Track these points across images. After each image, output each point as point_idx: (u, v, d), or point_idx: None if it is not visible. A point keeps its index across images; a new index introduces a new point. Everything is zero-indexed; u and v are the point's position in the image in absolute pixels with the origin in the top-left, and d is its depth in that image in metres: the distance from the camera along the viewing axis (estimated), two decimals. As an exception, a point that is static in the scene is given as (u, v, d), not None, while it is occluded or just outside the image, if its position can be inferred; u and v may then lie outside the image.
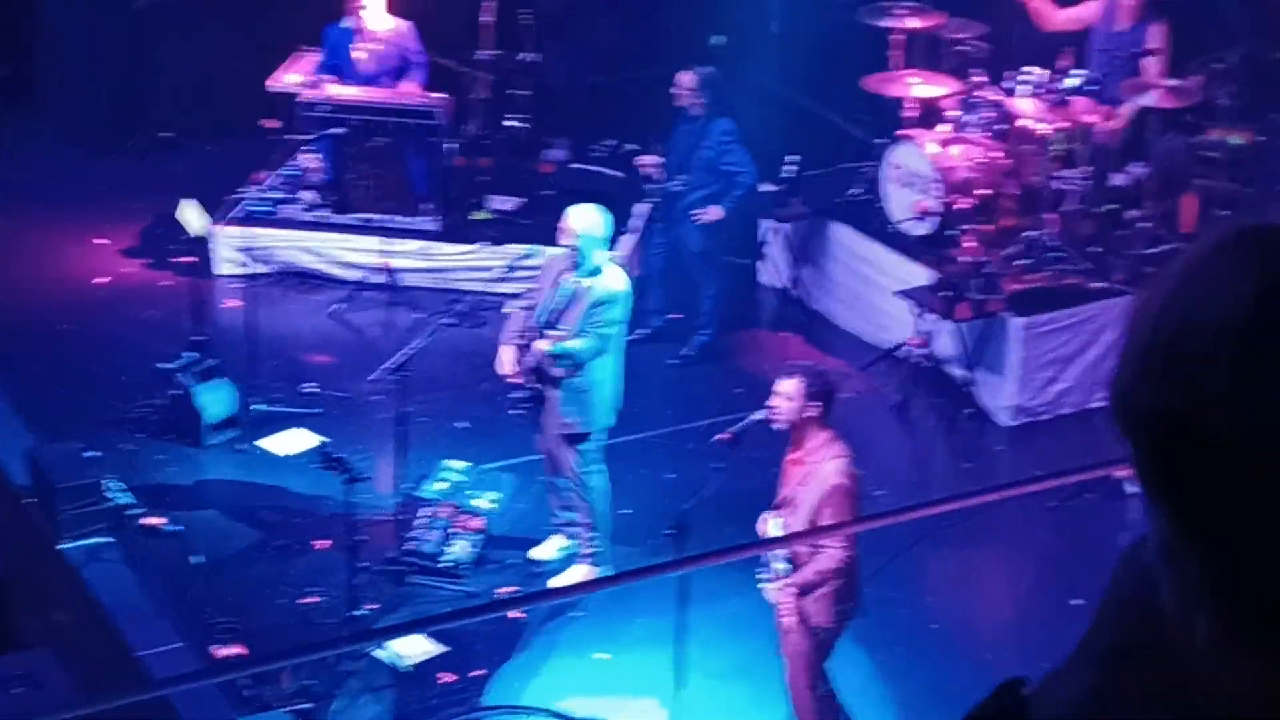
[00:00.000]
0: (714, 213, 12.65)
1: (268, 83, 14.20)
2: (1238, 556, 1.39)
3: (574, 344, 10.01)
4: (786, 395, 8.78)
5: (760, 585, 8.98)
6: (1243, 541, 1.38)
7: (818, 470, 8.71)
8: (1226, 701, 1.42)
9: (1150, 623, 1.50)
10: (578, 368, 10.08)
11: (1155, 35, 13.15)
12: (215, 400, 11.71)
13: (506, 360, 10.27)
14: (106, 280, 13.84)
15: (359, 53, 13.80)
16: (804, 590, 8.73)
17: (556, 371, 10.11)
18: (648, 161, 12.86)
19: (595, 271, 10.08)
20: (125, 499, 10.77)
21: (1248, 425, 1.37)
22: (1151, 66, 12.90)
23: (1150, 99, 12.52)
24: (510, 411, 10.42)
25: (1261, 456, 1.37)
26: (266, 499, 11.23)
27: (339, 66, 13.85)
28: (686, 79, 12.68)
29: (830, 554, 8.67)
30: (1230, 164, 12.96)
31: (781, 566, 8.82)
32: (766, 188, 13.63)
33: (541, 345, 10.00)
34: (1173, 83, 12.62)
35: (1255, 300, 1.38)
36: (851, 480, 8.70)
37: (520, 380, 10.24)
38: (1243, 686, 1.41)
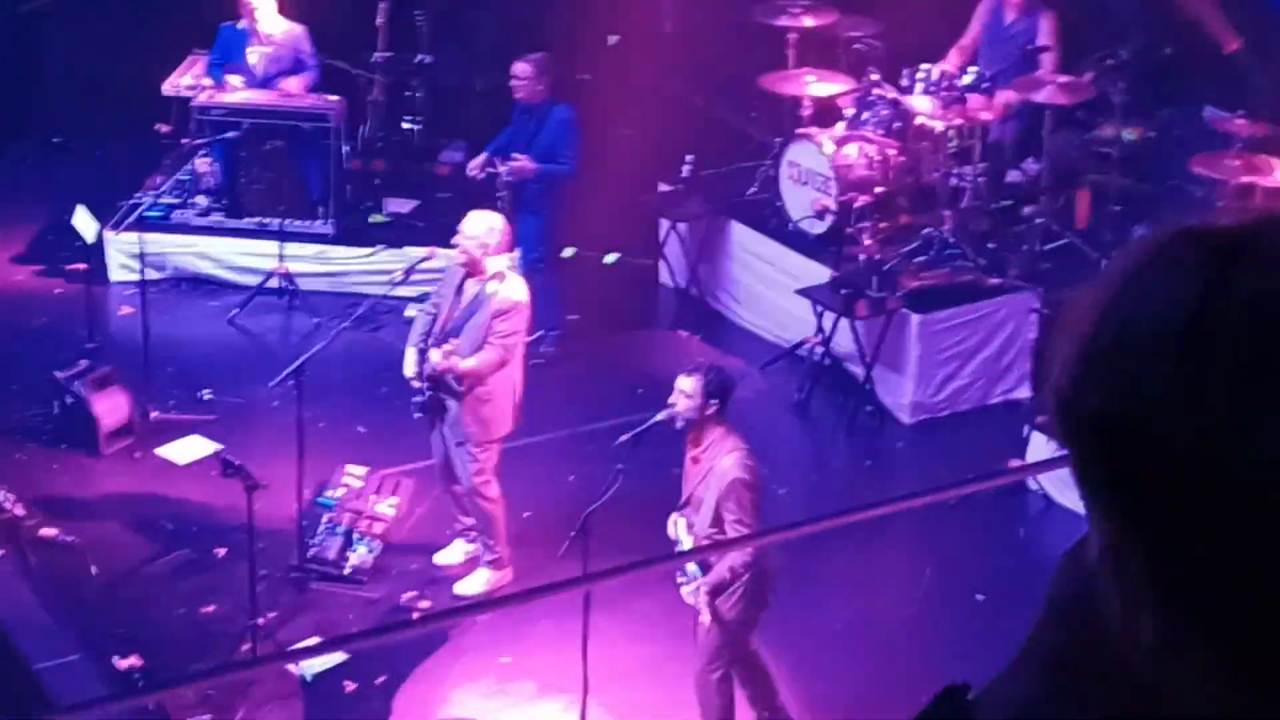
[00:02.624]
0: (524, 162, 12.46)
1: (163, 86, 14.06)
2: (1183, 555, 1.38)
3: (475, 360, 9.94)
4: (686, 393, 8.84)
5: (678, 585, 9.01)
6: (1188, 540, 1.38)
7: (716, 466, 8.77)
8: (1175, 699, 1.42)
9: (1094, 624, 1.48)
10: (478, 378, 10.03)
11: (1045, 27, 13.26)
12: (110, 408, 11.57)
13: (409, 363, 10.23)
14: (-3, 288, 13.67)
15: (252, 55, 13.70)
16: (717, 589, 8.76)
17: (453, 383, 10.05)
18: (475, 165, 12.66)
19: (494, 278, 10.03)
20: (19, 510, 10.61)
21: (1191, 426, 1.36)
22: (1044, 60, 13.01)
23: (1043, 95, 12.61)
24: (415, 415, 10.36)
25: (1205, 456, 1.36)
26: (164, 508, 11.11)
27: (234, 68, 13.73)
28: (522, 68, 12.57)
29: (730, 560, 8.70)
30: (1123, 160, 13.08)
31: (693, 567, 8.85)
32: (664, 188, 13.64)
33: (440, 357, 9.93)
34: (1065, 79, 12.72)
35: (1196, 300, 1.37)
36: (749, 473, 8.76)
37: (420, 384, 10.19)
38: (1191, 683, 1.40)
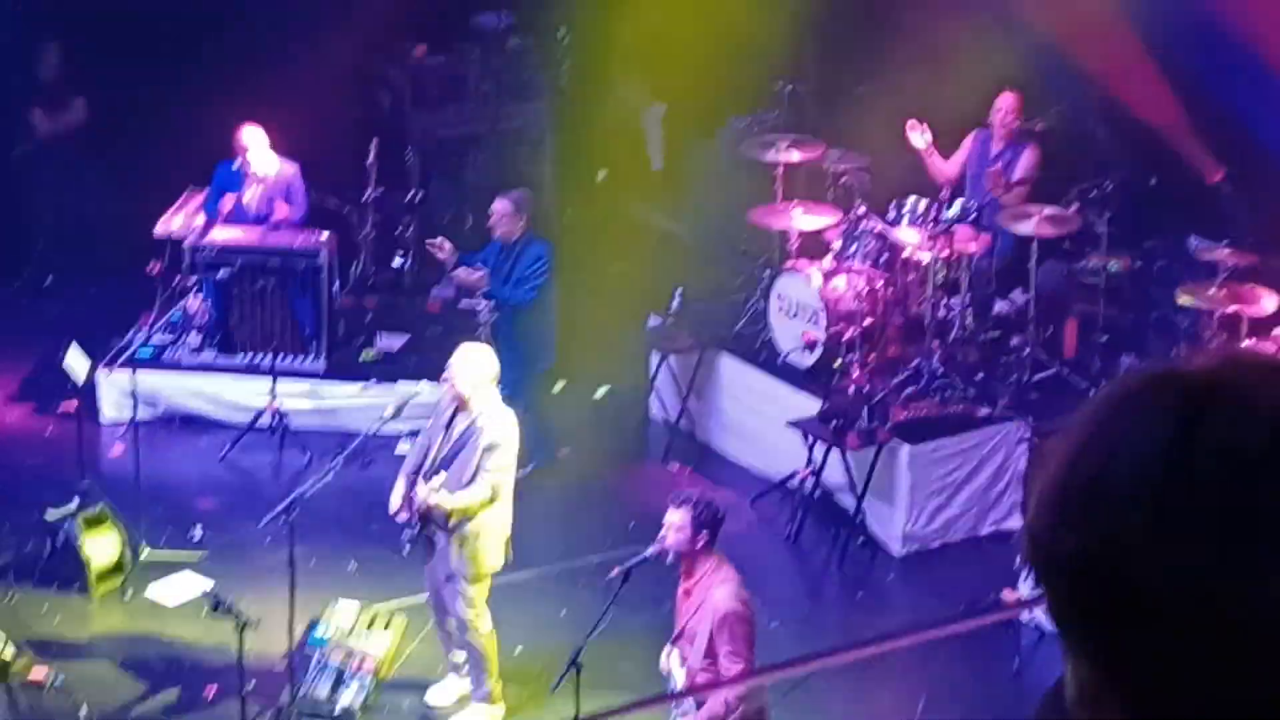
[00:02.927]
0: (473, 273, 12.51)
1: (156, 226, 14.14)
2: (1159, 699, 1.40)
3: (464, 496, 9.94)
4: (676, 525, 8.83)
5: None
6: (1164, 684, 1.39)
7: (709, 598, 8.74)
8: None
9: None
10: (468, 514, 10.03)
11: (1025, 160, 13.39)
12: (101, 548, 11.55)
13: (395, 497, 10.23)
14: (-11, 428, 13.68)
15: (247, 194, 13.79)
16: None
17: (445, 518, 10.05)
18: (445, 249, 12.70)
19: (483, 413, 10.05)
20: (9, 651, 10.57)
21: (1165, 570, 1.38)
22: (1014, 194, 13.14)
23: (1029, 227, 12.70)
24: (403, 551, 10.34)
25: (1179, 601, 1.37)
26: (155, 647, 11.06)
27: (229, 212, 13.82)
28: (501, 205, 12.64)
29: (724, 695, 8.66)
30: (1109, 290, 13.15)
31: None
32: (654, 321, 13.69)
33: (431, 493, 9.92)
34: (1051, 211, 12.82)
35: (1170, 445, 1.40)
36: (743, 605, 8.74)
37: (405, 519, 10.18)
38: None
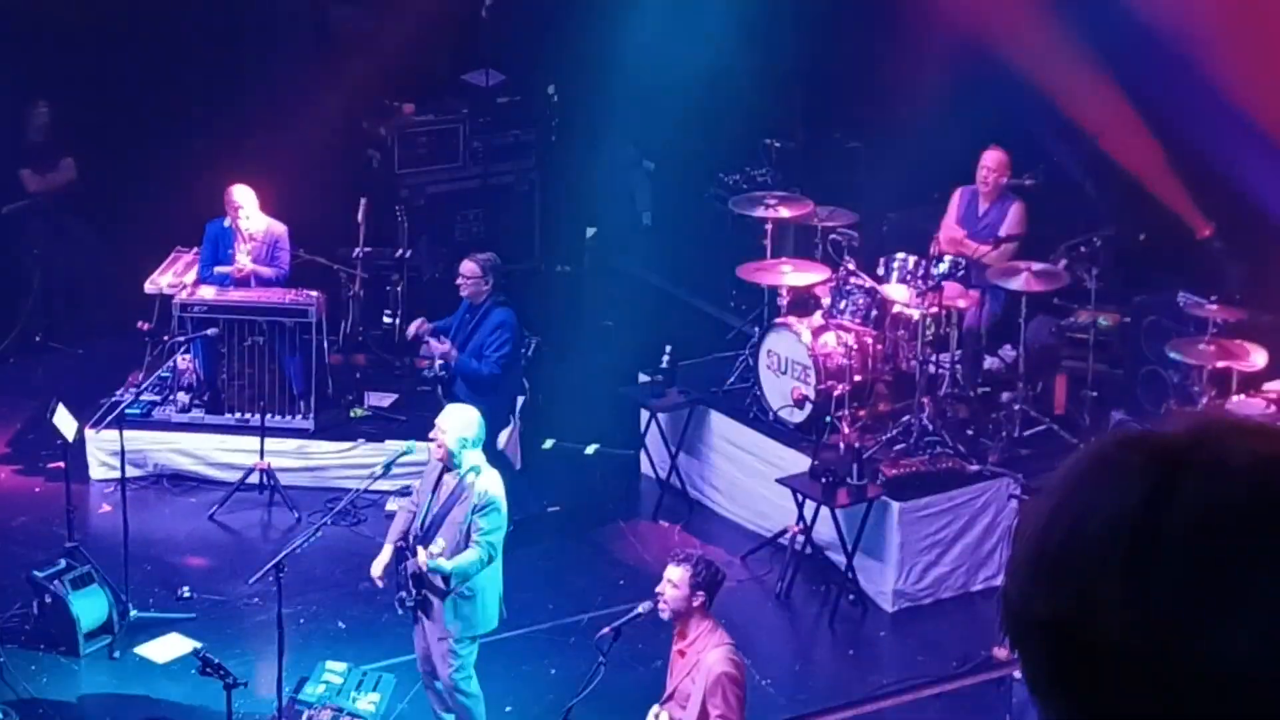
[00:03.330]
0: (448, 348, 12.47)
1: (145, 285, 14.14)
2: None
3: (464, 561, 9.90)
4: (674, 582, 8.80)
5: None
6: None
7: (702, 660, 8.71)
8: None
9: None
10: (462, 579, 9.99)
11: (1012, 216, 13.43)
12: (89, 608, 11.51)
13: (380, 561, 10.19)
14: (-24, 487, 13.65)
15: (239, 253, 13.79)
16: None
17: (438, 582, 10.02)
18: (412, 329, 12.67)
19: (471, 472, 10.03)
20: (-3, 712, 10.53)
21: (1139, 631, 1.37)
22: (1002, 250, 13.17)
23: (1018, 283, 12.72)
24: (399, 612, 10.29)
25: (1153, 661, 1.37)
26: (143, 707, 11.01)
27: (220, 263, 13.84)
28: (469, 267, 12.62)
29: None
30: (1099, 345, 13.17)
31: None
32: (644, 378, 13.69)
33: (422, 558, 9.89)
34: (1040, 266, 12.84)
35: (1140, 507, 1.40)
36: (736, 668, 8.71)
37: (384, 581, 10.16)
38: None
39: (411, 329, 12.66)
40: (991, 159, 13.52)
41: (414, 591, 10.09)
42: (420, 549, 9.90)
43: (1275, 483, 1.40)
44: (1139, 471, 1.41)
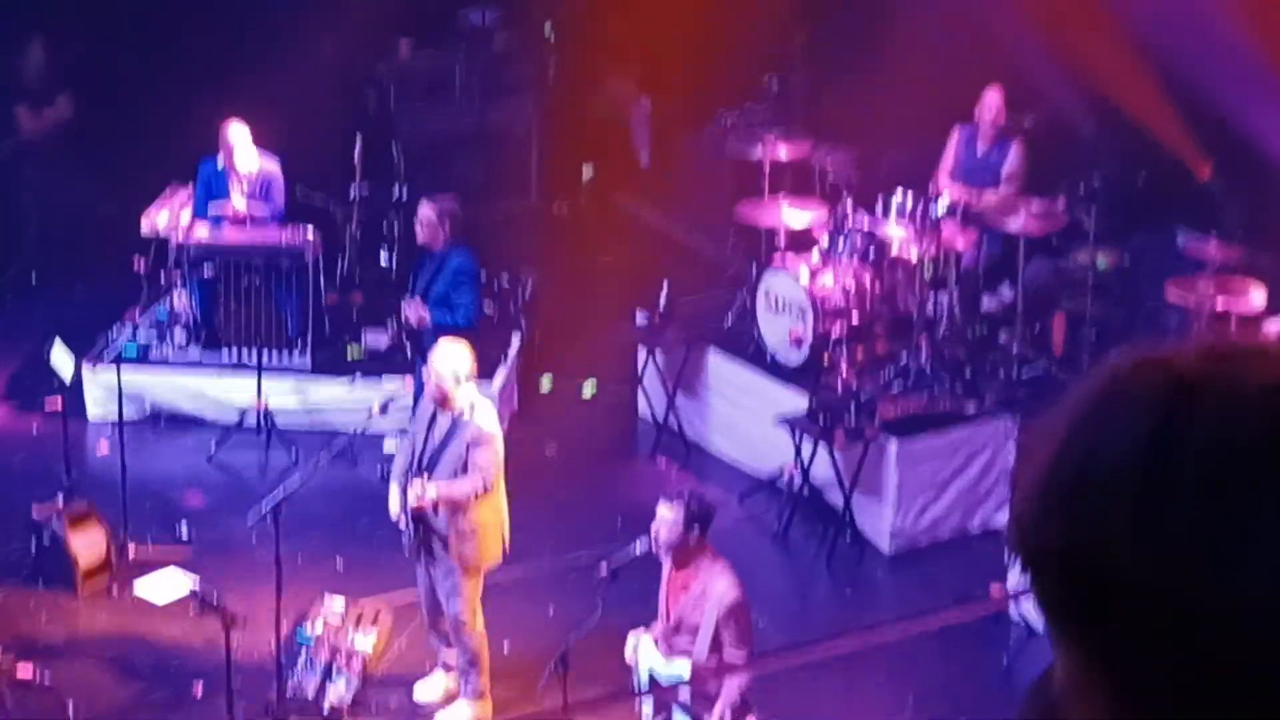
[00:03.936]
0: (417, 310, 12.42)
1: (140, 223, 14.11)
2: (1147, 689, 1.39)
3: (457, 488, 9.92)
4: (668, 521, 8.85)
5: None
6: (1149, 670, 1.38)
7: (710, 590, 8.77)
8: None
9: None
10: (461, 511, 10.00)
11: (1013, 155, 13.40)
12: (87, 546, 11.52)
13: (393, 501, 10.21)
14: (-27, 426, 13.65)
15: (234, 193, 13.75)
16: (736, 716, 8.76)
17: (439, 516, 10.02)
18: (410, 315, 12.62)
19: (466, 406, 10.02)
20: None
21: (1150, 560, 1.37)
22: (1006, 187, 13.16)
23: (1017, 223, 12.70)
24: (406, 553, 10.32)
25: (1164, 590, 1.36)
26: (142, 645, 11.03)
27: (217, 206, 13.79)
28: (424, 212, 12.52)
29: (737, 682, 8.71)
30: (1097, 286, 13.15)
31: (682, 690, 8.83)
32: (641, 318, 13.68)
33: (420, 490, 9.89)
34: (1038, 207, 12.81)
35: (1152, 434, 1.38)
36: (741, 591, 8.79)
37: (402, 518, 10.16)
38: None
39: (413, 314, 12.45)
40: (993, 99, 13.49)
41: (415, 528, 10.10)
42: (416, 483, 9.91)
43: None
44: (1152, 399, 1.40)
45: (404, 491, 10.07)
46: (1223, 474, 1.36)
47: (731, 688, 8.75)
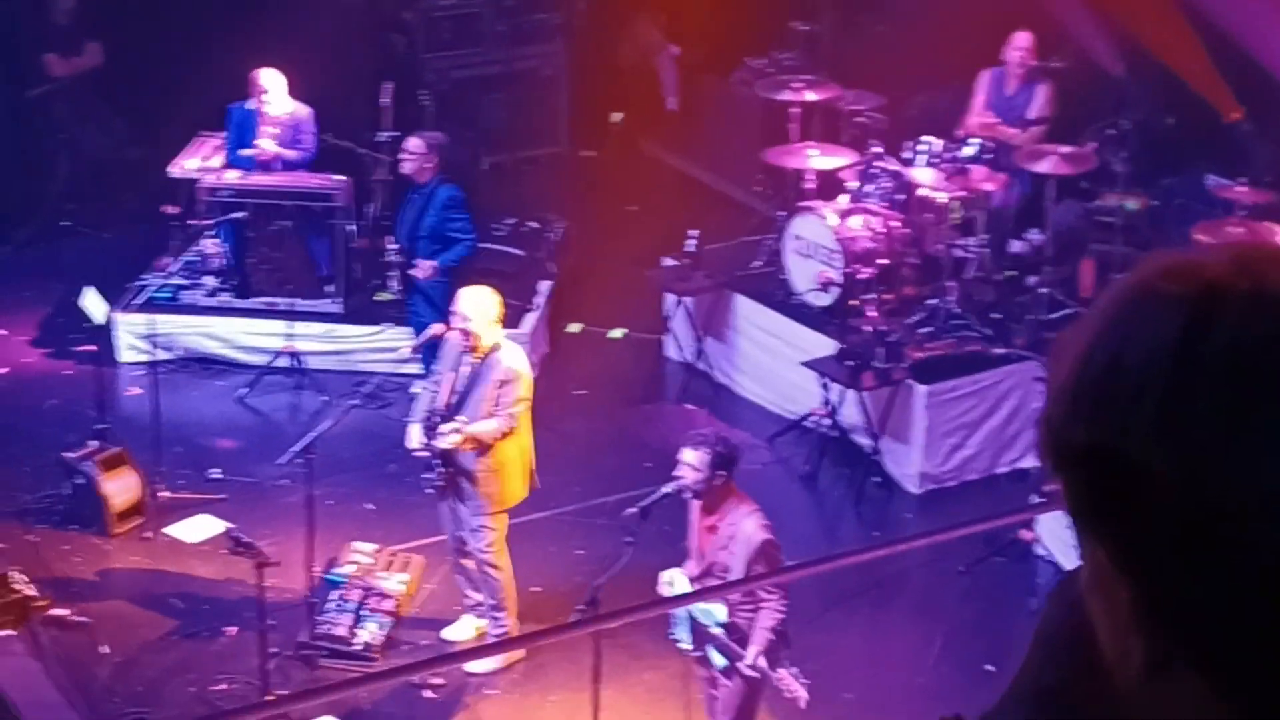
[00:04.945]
0: (426, 267, 12.48)
1: (170, 168, 14.17)
2: (1169, 582, 1.42)
3: (486, 427, 10.00)
4: (692, 465, 8.87)
5: (683, 647, 9.05)
6: (1173, 566, 1.41)
7: (739, 531, 8.81)
8: None
9: (1082, 656, 1.52)
10: (487, 449, 10.07)
11: (1041, 97, 13.38)
12: (120, 489, 11.60)
13: (414, 437, 10.26)
14: (5, 370, 13.72)
15: (262, 137, 13.78)
16: (769, 654, 8.80)
17: (466, 455, 10.09)
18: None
19: (494, 349, 10.09)
20: (30, 591, 10.62)
21: (1175, 458, 1.39)
22: (1035, 131, 13.14)
23: (1046, 165, 12.68)
24: (426, 489, 10.39)
25: (1188, 486, 1.39)
26: (174, 586, 11.12)
27: (245, 146, 13.84)
28: (413, 143, 12.59)
29: (772, 609, 8.74)
30: (1126, 229, 13.13)
31: (717, 630, 8.87)
32: (669, 262, 13.69)
33: (449, 432, 9.96)
34: (1067, 149, 12.79)
35: (1181, 334, 1.41)
36: (771, 532, 8.82)
37: (426, 455, 10.22)
38: (1181, 705, 1.43)
39: (422, 273, 12.53)
40: (1021, 40, 13.46)
41: (441, 468, 10.16)
42: (446, 427, 9.97)
43: None
44: (1179, 301, 1.43)
45: (427, 432, 10.13)
46: (1246, 374, 1.39)
47: (764, 628, 8.79)
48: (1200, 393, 1.40)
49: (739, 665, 8.85)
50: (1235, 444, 1.38)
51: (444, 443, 10.00)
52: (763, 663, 8.78)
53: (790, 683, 8.78)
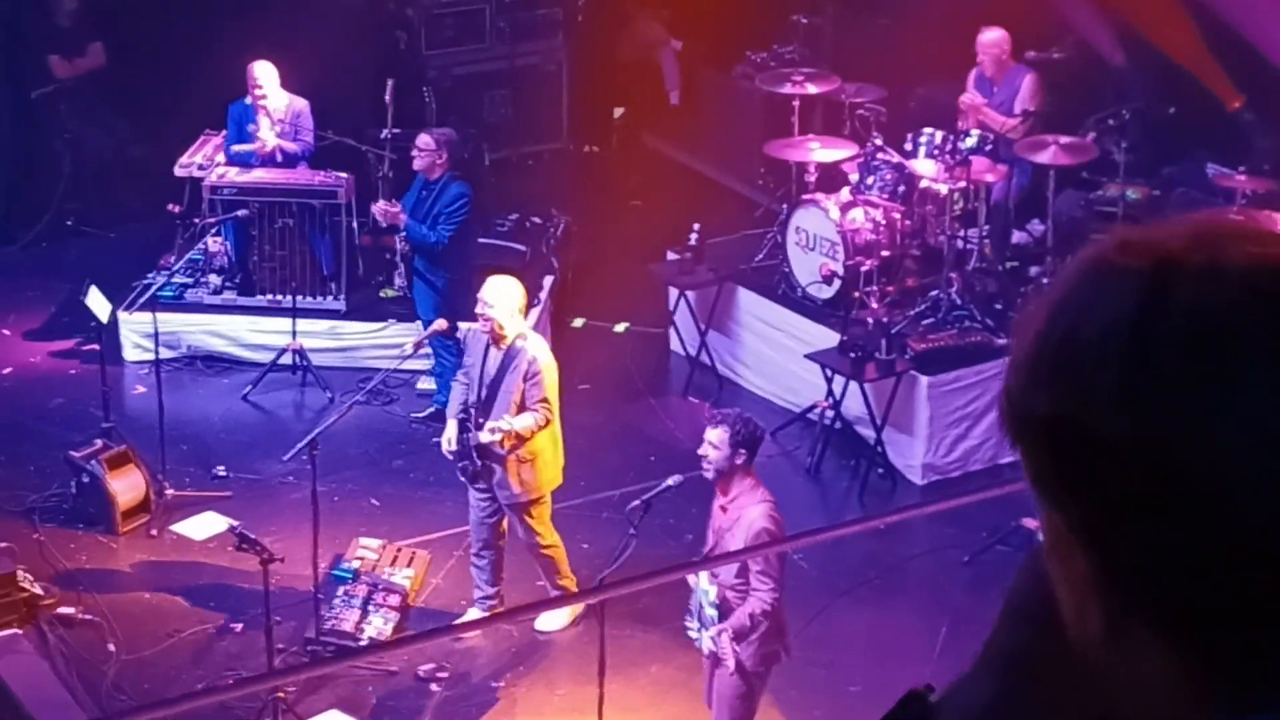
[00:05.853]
0: (385, 208, 12.63)
1: (175, 167, 14.20)
2: (1123, 548, 1.45)
3: (520, 423, 10.09)
4: (714, 443, 8.89)
5: (691, 635, 9.06)
6: (1128, 534, 1.44)
7: (743, 517, 8.82)
8: (1127, 685, 1.47)
9: (1048, 625, 1.54)
10: (522, 441, 10.15)
11: (1025, 90, 13.37)
12: (126, 487, 11.63)
13: (449, 436, 10.36)
14: (11, 369, 13.75)
15: (260, 130, 13.80)
16: (739, 635, 8.78)
17: (499, 448, 10.18)
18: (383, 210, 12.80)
19: (518, 340, 10.17)
20: (37, 589, 10.66)
21: (1131, 429, 1.42)
22: (1023, 124, 13.13)
23: (1046, 156, 12.69)
24: (461, 478, 10.47)
25: (1144, 457, 1.42)
26: (181, 584, 11.15)
27: (244, 142, 13.87)
28: (424, 140, 12.66)
29: (760, 598, 8.74)
30: (1127, 218, 13.13)
31: (711, 612, 8.87)
32: (672, 256, 13.72)
33: (491, 430, 10.07)
34: (1068, 140, 12.80)
35: (1139, 306, 1.44)
36: (776, 525, 8.83)
37: (454, 458, 10.33)
38: (1140, 668, 1.46)
39: (380, 212, 12.67)
40: (986, 39, 13.47)
41: (477, 461, 10.25)
42: (485, 425, 10.06)
43: (1268, 285, 1.44)
44: (1136, 274, 1.45)
45: (462, 428, 10.23)
46: (1203, 345, 1.42)
47: (744, 612, 8.78)
48: (1158, 363, 1.42)
49: (713, 639, 8.85)
50: (1193, 413, 1.41)
51: (484, 438, 10.11)
52: (725, 641, 8.75)
53: (725, 645, 8.76)
